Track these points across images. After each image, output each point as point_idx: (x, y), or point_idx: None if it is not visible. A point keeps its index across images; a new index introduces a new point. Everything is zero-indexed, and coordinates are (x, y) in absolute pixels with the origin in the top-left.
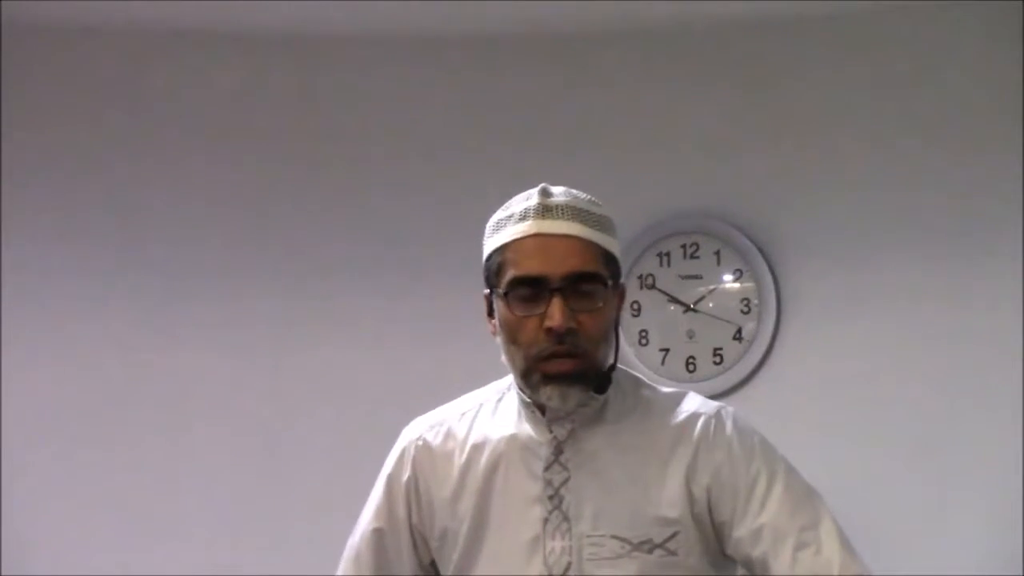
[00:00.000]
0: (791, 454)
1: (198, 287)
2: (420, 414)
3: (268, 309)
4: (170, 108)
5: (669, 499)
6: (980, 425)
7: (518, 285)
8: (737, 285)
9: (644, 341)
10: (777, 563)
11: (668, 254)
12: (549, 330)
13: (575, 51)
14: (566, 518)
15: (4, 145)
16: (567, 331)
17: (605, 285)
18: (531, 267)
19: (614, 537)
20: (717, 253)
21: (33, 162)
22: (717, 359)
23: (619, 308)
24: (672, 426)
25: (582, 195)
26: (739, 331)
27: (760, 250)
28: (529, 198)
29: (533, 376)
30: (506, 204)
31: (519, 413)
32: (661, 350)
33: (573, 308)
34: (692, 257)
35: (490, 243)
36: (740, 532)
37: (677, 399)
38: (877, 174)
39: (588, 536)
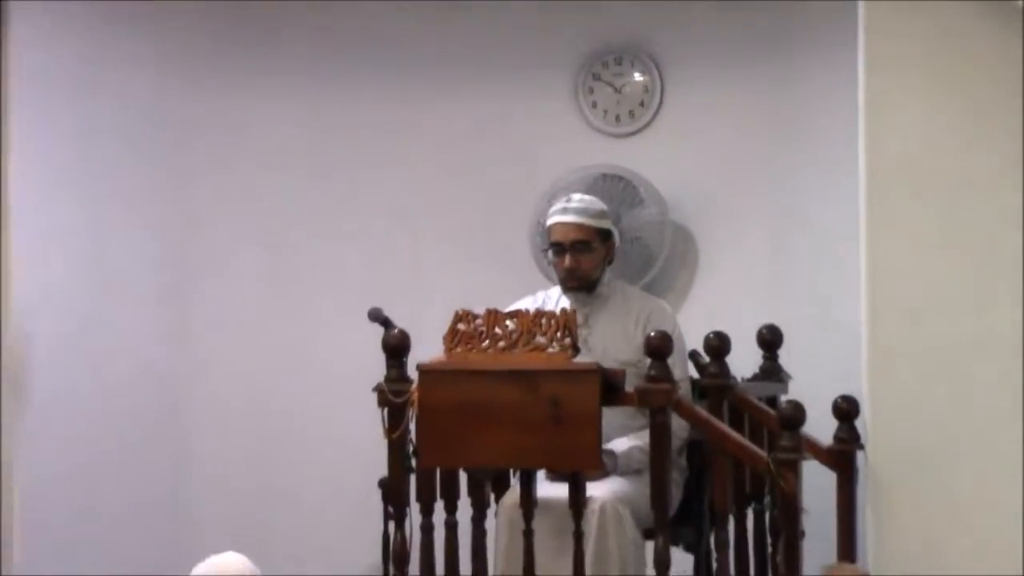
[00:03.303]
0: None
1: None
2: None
3: None
4: None
5: (636, 342)
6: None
7: (552, 246)
8: (642, 78)
9: (595, 106)
10: None
11: (607, 61)
12: (564, 268)
13: None
14: (589, 349)
15: None
16: (572, 269)
17: (595, 242)
18: (556, 238)
19: (612, 360)
20: (632, 61)
21: None
22: (632, 114)
23: (610, 250)
24: (637, 307)
25: (588, 199)
26: (642, 102)
27: (653, 60)
28: (560, 201)
29: (563, 287)
30: (554, 203)
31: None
32: (603, 111)
33: (576, 257)
34: (617, 63)
35: (546, 223)
36: None
37: (639, 294)
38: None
39: (599, 360)
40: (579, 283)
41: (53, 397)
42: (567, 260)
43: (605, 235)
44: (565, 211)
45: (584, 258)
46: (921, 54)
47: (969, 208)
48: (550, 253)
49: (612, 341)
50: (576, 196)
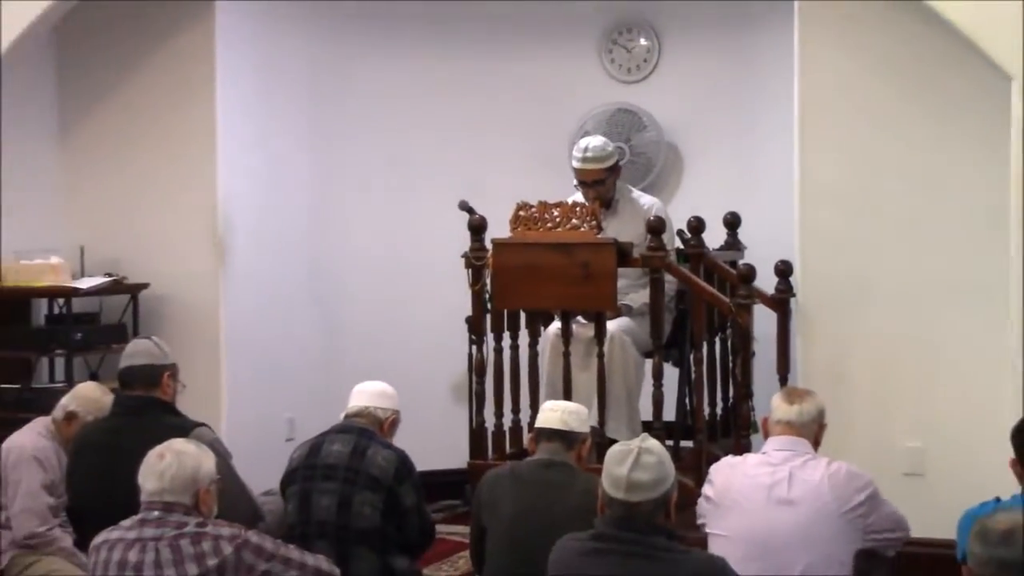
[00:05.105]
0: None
1: None
2: None
3: None
4: None
5: (640, 230)
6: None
7: (579, 181)
8: (646, 42)
9: (612, 62)
10: None
11: (621, 31)
12: (590, 198)
13: None
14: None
15: None
16: (594, 198)
17: (608, 177)
18: (580, 178)
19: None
20: (638, 30)
21: None
22: (639, 67)
23: (618, 173)
24: (641, 208)
25: (598, 145)
26: (646, 59)
27: (653, 30)
28: (579, 150)
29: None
30: (576, 146)
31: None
32: (619, 65)
33: (596, 189)
34: (628, 32)
35: (572, 164)
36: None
37: (641, 196)
38: None
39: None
40: (600, 204)
41: (247, 258)
42: (591, 193)
43: (613, 168)
44: (584, 160)
45: (601, 188)
46: (841, 16)
47: (886, 119)
48: (579, 185)
49: (623, 230)
50: (591, 145)
